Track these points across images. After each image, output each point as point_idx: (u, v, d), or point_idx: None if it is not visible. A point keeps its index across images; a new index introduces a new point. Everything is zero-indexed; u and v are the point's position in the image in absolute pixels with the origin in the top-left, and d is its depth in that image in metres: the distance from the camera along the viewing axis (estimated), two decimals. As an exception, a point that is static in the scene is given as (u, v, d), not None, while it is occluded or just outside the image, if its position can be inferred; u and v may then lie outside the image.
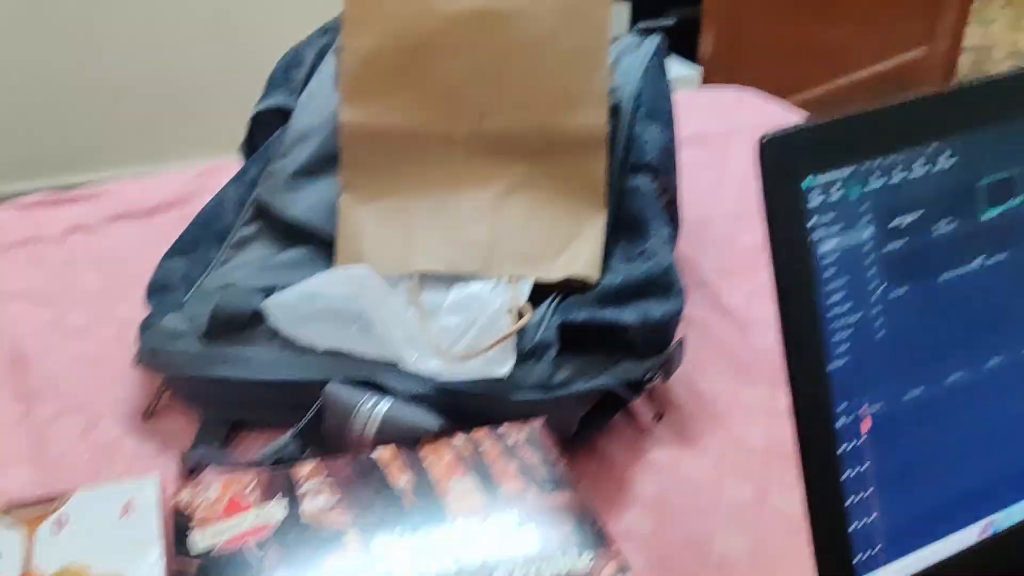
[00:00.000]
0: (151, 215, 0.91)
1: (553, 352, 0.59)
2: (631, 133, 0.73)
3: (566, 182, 0.70)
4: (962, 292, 0.42)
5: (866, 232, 0.40)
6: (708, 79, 1.73)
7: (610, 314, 0.61)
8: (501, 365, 0.58)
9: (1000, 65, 2.53)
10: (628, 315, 0.61)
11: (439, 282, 0.66)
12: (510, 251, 0.67)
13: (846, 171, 0.39)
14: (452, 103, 0.71)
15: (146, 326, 0.65)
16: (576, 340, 0.61)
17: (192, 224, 0.73)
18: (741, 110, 1.11)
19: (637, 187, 0.70)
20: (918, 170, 0.40)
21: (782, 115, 1.09)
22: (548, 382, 0.58)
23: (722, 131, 1.05)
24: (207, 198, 0.76)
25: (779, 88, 1.85)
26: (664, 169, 0.72)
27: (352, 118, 0.72)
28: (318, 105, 0.77)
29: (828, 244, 0.39)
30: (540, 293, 0.65)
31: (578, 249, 0.68)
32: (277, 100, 0.81)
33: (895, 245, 0.40)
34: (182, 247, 0.71)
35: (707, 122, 1.07)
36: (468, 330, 0.60)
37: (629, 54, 0.79)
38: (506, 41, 0.71)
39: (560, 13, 0.71)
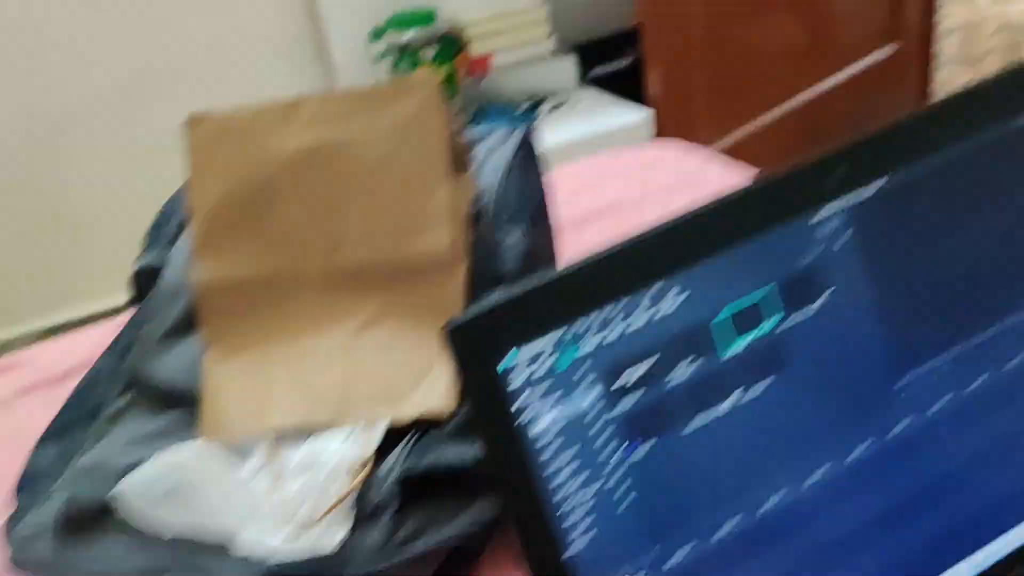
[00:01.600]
0: (64, 380, 0.91)
1: (392, 509, 0.56)
2: (496, 240, 0.71)
3: (422, 309, 0.68)
4: (719, 436, 0.39)
5: (589, 397, 0.37)
6: (660, 120, 1.70)
7: (455, 453, 0.58)
8: (334, 536, 0.55)
9: (991, 41, 2.36)
10: (472, 450, 0.58)
11: (298, 437, 0.64)
12: (365, 392, 0.65)
13: (552, 338, 0.36)
14: (299, 243, 0.70)
15: (10, 526, 0.64)
16: (429, 486, 0.58)
17: (64, 407, 0.72)
18: (657, 171, 1.08)
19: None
20: (640, 317, 0.37)
21: (700, 170, 1.06)
22: (388, 544, 0.55)
23: (636, 197, 1.02)
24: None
25: (739, 114, 1.81)
26: (525, 276, 0.70)
27: (204, 275, 0.70)
28: (187, 259, 0.76)
29: (542, 422, 0.36)
30: (399, 432, 0.63)
31: (436, 380, 0.65)
32: (151, 259, 0.80)
33: (627, 403, 0.37)
34: (53, 432, 0.70)
35: (622, 189, 1.04)
36: (308, 494, 0.58)
37: (496, 152, 0.77)
38: (343, 174, 0.70)
39: (391, 138, 0.69)
